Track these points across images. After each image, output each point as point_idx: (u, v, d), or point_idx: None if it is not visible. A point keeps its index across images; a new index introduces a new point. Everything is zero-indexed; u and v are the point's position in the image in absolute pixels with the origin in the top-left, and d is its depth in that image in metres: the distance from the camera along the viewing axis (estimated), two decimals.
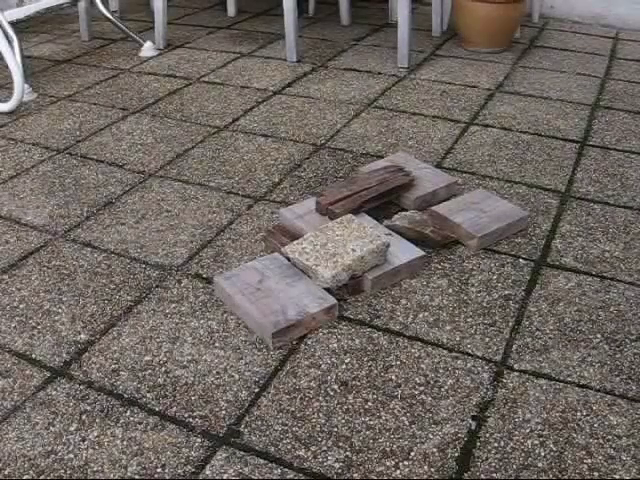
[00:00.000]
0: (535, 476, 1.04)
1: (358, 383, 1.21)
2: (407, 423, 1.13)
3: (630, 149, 2.03)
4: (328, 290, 1.37)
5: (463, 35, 2.89)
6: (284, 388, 1.20)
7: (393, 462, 1.06)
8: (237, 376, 1.23)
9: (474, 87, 2.49)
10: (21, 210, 1.75)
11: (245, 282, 1.39)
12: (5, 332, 1.34)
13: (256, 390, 1.20)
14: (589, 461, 1.06)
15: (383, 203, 1.66)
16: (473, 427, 1.12)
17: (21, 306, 1.41)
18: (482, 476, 1.04)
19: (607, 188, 1.82)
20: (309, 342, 1.30)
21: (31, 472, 1.06)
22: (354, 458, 1.07)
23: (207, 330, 1.34)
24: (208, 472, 1.05)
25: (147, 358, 1.27)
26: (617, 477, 1.04)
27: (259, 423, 1.13)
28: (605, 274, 1.48)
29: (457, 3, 2.83)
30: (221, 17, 3.42)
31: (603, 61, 2.75)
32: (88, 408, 1.17)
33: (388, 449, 1.09)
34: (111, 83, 2.58)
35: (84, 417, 1.15)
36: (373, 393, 1.19)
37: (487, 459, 1.07)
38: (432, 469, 1.05)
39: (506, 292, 1.43)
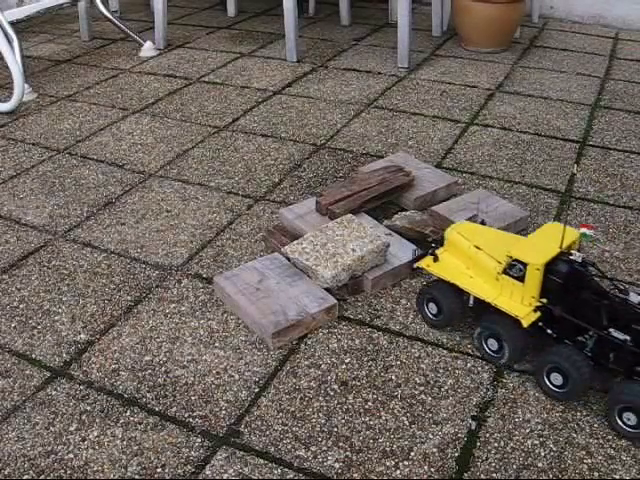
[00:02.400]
0: (535, 476, 1.04)
1: (358, 383, 1.21)
2: (407, 423, 1.13)
3: (630, 149, 2.03)
4: (328, 290, 1.37)
5: (463, 35, 2.89)
6: (284, 388, 1.20)
7: (393, 462, 1.06)
8: (237, 376, 1.23)
9: (474, 87, 2.49)
10: (21, 210, 1.75)
11: (245, 282, 1.39)
12: (5, 332, 1.34)
13: (256, 390, 1.20)
14: (589, 461, 1.06)
15: (383, 203, 1.66)
16: (473, 427, 1.12)
17: (21, 306, 1.41)
18: (482, 476, 1.04)
19: (607, 188, 1.82)
20: (309, 342, 1.30)
21: (31, 472, 1.06)
22: (354, 458, 1.07)
23: (207, 330, 1.34)
24: (208, 472, 1.05)
25: (147, 358, 1.27)
26: (617, 477, 1.04)
27: (259, 423, 1.13)
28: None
29: (457, 3, 2.83)
30: (221, 17, 3.42)
31: (603, 61, 2.75)
32: (88, 408, 1.17)
33: (388, 449, 1.09)
34: (111, 83, 2.58)
35: (84, 417, 1.15)
36: (373, 393, 1.19)
37: (487, 459, 1.07)
38: (432, 469, 1.05)
39: None
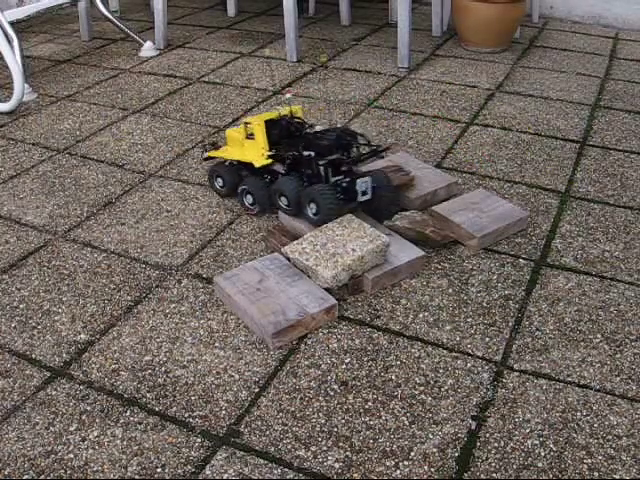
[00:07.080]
0: (535, 476, 1.04)
1: (358, 383, 1.21)
2: (407, 423, 1.13)
3: (630, 149, 2.03)
4: (328, 290, 1.37)
5: (463, 35, 2.89)
6: (284, 388, 1.20)
7: (393, 462, 1.06)
8: (237, 376, 1.23)
9: (474, 87, 2.49)
10: (21, 210, 1.75)
11: (245, 282, 1.39)
12: (5, 332, 1.34)
13: (256, 390, 1.20)
14: (589, 461, 1.06)
15: None
16: (473, 427, 1.12)
17: (21, 306, 1.41)
18: (482, 476, 1.04)
19: (607, 188, 1.82)
20: (309, 342, 1.30)
21: (31, 472, 1.06)
22: (354, 458, 1.07)
23: (207, 330, 1.34)
24: (208, 472, 1.05)
25: (147, 358, 1.27)
26: (617, 477, 1.04)
27: (259, 423, 1.13)
28: (605, 274, 1.48)
29: (457, 3, 2.83)
30: (221, 17, 3.42)
31: (603, 61, 2.75)
32: (88, 408, 1.17)
33: (388, 449, 1.09)
34: (111, 83, 2.58)
35: (84, 417, 1.15)
36: (373, 393, 1.19)
37: (487, 459, 1.07)
38: (432, 469, 1.05)
39: (506, 292, 1.43)
